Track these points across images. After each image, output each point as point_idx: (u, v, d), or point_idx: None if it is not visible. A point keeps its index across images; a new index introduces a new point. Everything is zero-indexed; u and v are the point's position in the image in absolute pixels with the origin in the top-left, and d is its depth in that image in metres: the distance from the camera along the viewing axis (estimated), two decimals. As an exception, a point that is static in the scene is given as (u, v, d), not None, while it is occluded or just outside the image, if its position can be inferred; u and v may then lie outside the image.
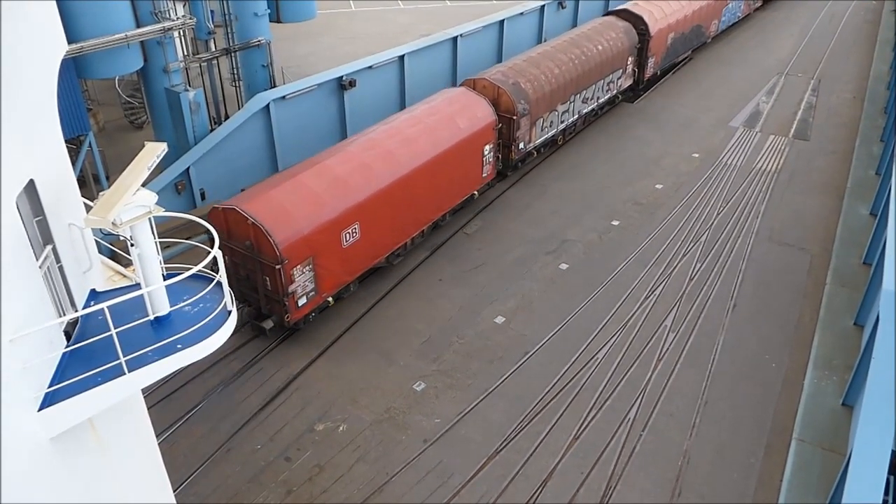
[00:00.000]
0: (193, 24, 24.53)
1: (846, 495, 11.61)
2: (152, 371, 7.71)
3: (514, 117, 26.59)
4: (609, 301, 21.66)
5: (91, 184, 24.64)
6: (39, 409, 7.10)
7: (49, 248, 7.89)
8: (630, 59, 35.31)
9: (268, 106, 24.13)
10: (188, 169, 22.68)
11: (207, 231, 8.83)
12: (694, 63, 43.98)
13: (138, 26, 22.12)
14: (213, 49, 28.70)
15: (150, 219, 8.00)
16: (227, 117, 29.15)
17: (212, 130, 24.38)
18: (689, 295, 22.01)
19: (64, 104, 20.05)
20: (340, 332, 20.35)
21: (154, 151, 8.23)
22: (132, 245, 8.02)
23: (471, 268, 23.34)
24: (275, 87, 28.24)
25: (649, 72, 37.62)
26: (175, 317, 8.35)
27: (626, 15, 36.16)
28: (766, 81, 40.96)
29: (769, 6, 56.95)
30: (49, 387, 7.31)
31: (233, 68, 28.88)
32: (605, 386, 18.42)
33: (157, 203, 7.99)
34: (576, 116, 31.68)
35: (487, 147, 25.53)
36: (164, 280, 8.34)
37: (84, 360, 7.61)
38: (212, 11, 28.90)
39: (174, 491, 12.41)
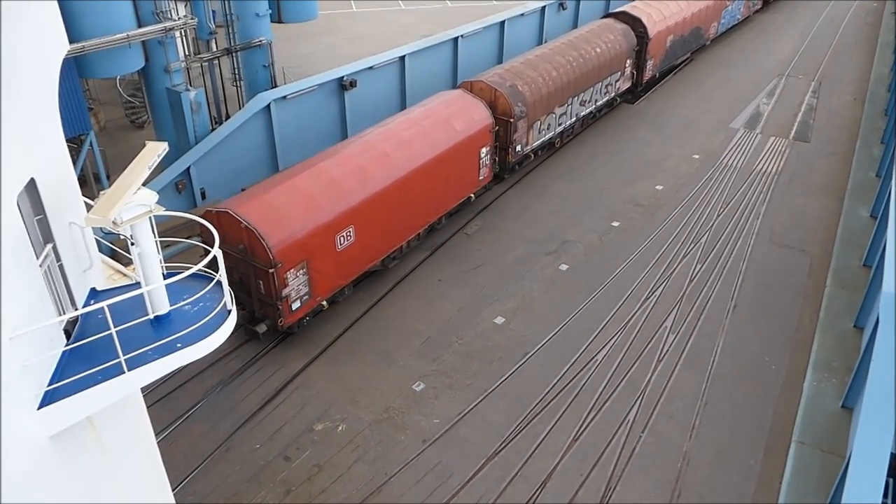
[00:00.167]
0: (195, 24, 24.56)
1: (845, 497, 11.61)
2: (152, 370, 7.72)
3: (511, 120, 26.50)
4: (609, 302, 21.66)
5: (92, 183, 24.66)
6: (39, 408, 7.11)
7: (49, 246, 7.90)
8: (628, 61, 35.21)
9: (269, 106, 24.16)
10: (189, 168, 22.71)
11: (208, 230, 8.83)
12: (694, 64, 44.00)
13: (140, 26, 22.15)
14: (215, 49, 28.73)
15: (150, 218, 8.00)
16: (227, 117, 29.16)
17: (213, 130, 24.41)
18: (690, 296, 22.01)
19: (65, 103, 20.06)
20: (340, 332, 20.36)
21: (155, 151, 8.23)
22: (132, 244, 8.03)
23: (471, 268, 23.35)
24: (276, 87, 28.27)
25: (648, 74, 37.57)
26: (175, 316, 8.36)
27: (624, 17, 36.04)
28: (766, 83, 40.98)
29: (769, 8, 57.01)
30: (49, 385, 7.31)
31: (234, 68, 28.90)
32: (604, 387, 18.42)
33: (157, 202, 8.00)
34: (573, 119, 31.60)
35: (484, 150, 25.42)
36: (164, 279, 8.34)
37: (84, 359, 7.61)
38: (213, 11, 28.93)
39: (173, 490, 12.42)
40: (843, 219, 25.68)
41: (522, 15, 36.86)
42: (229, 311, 8.47)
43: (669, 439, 16.98)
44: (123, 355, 7.43)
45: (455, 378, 18.73)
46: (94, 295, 8.92)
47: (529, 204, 27.37)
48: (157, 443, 10.82)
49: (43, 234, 7.87)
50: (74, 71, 21.44)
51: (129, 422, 9.64)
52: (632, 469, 16.17)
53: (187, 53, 29.17)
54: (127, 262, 9.61)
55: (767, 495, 15.56)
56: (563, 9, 40.36)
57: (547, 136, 29.70)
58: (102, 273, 9.63)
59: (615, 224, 26.05)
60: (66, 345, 7.80)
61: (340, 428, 17.17)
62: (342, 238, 19.78)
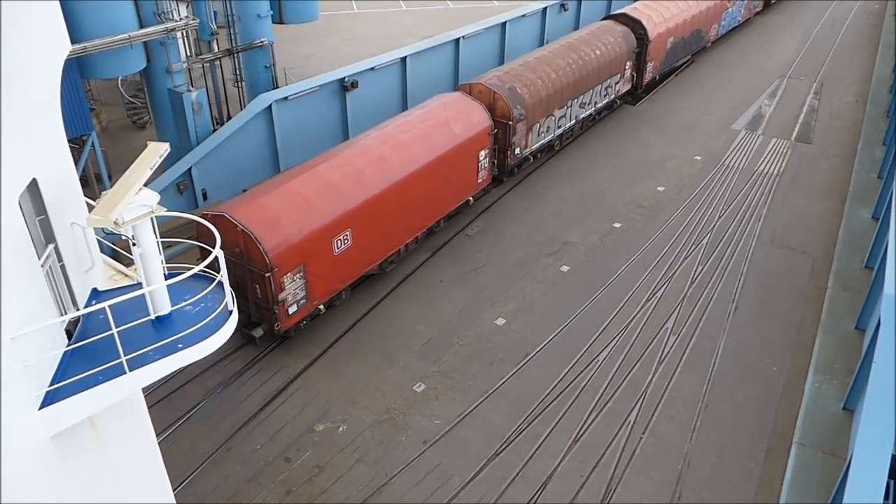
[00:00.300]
0: (196, 25, 24.59)
1: (846, 499, 11.60)
2: (153, 370, 7.72)
3: (510, 122, 26.35)
4: (610, 303, 21.65)
5: (93, 183, 24.68)
6: (40, 408, 7.11)
7: (51, 247, 7.91)
8: (628, 63, 35.10)
9: (270, 107, 24.19)
10: (190, 169, 22.74)
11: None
12: (696, 66, 44.00)
13: (142, 27, 22.16)
14: (216, 50, 28.75)
15: (151, 218, 8.01)
16: (229, 118, 29.18)
17: (214, 131, 24.43)
18: (691, 298, 22.00)
19: (67, 104, 20.09)
20: (341, 333, 20.36)
21: (156, 151, 8.24)
22: (134, 244, 8.04)
23: (472, 269, 23.35)
24: (277, 88, 28.30)
25: (648, 76, 37.47)
26: (176, 316, 8.37)
27: (624, 19, 35.91)
28: (768, 84, 40.96)
29: (770, 10, 56.98)
30: (50, 385, 7.32)
31: (235, 69, 28.92)
32: (605, 388, 18.41)
33: (159, 203, 8.01)
34: (573, 121, 31.49)
35: (483, 152, 25.31)
36: (166, 279, 8.35)
37: (85, 359, 7.62)
38: (215, 12, 28.97)
39: (174, 490, 12.42)
40: (844, 220, 25.65)
41: (524, 16, 36.87)
42: (230, 312, 8.48)
43: (670, 441, 16.97)
44: (125, 356, 7.44)
45: (456, 379, 18.73)
46: (96, 295, 8.93)
47: (531, 205, 27.37)
48: (158, 443, 10.82)
49: (45, 234, 7.88)
50: (76, 71, 21.47)
51: (130, 422, 9.65)
52: (632, 470, 16.17)
53: (189, 54, 29.16)
54: (128, 263, 9.62)
55: (768, 497, 15.55)
56: (565, 10, 40.37)
57: (546, 139, 29.59)
58: (104, 273, 9.64)
59: (616, 225, 26.05)
60: (68, 345, 7.81)
61: (341, 429, 17.18)
62: (339, 242, 19.67)
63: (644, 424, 17.39)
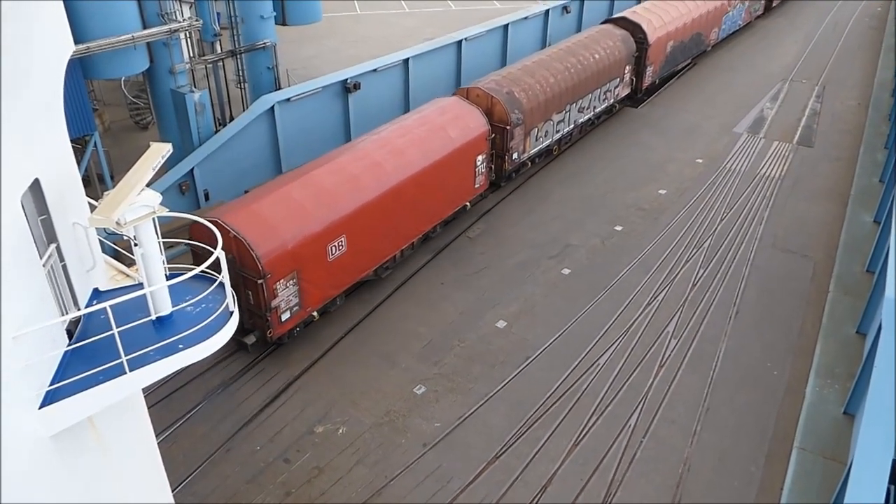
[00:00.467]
0: (199, 26, 24.63)
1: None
2: (153, 371, 7.74)
3: (508, 127, 26.19)
4: (611, 306, 21.64)
5: (96, 183, 24.70)
6: (40, 407, 7.13)
7: (53, 246, 7.92)
8: (628, 67, 34.97)
9: (272, 108, 24.21)
10: (192, 170, 22.77)
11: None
12: (697, 69, 44.01)
13: (145, 27, 22.19)
14: (219, 51, 28.80)
15: (153, 219, 8.03)
16: (231, 119, 29.23)
17: (216, 132, 24.45)
18: (692, 301, 21.99)
19: (70, 104, 20.13)
20: (342, 335, 20.36)
21: (159, 152, 8.26)
22: (136, 245, 8.05)
23: (473, 271, 23.35)
24: (280, 89, 28.33)
25: (648, 80, 37.31)
26: (177, 317, 8.38)
27: (623, 23, 35.74)
28: (770, 87, 40.96)
29: (772, 14, 56.95)
30: (50, 385, 7.33)
31: (238, 70, 28.95)
32: (606, 392, 18.39)
33: (161, 203, 8.03)
34: (571, 126, 31.31)
35: (480, 157, 25.14)
36: (167, 280, 8.36)
37: (86, 359, 7.63)
38: (218, 13, 29.02)
39: (173, 490, 12.43)
40: (846, 224, 25.63)
41: (526, 18, 36.89)
42: (231, 313, 8.49)
43: (671, 444, 16.95)
44: (125, 356, 7.45)
45: (456, 381, 18.72)
46: (97, 295, 8.94)
47: (532, 208, 27.37)
48: (158, 443, 10.83)
49: (47, 234, 7.90)
50: (79, 72, 21.50)
51: (130, 422, 9.65)
52: (633, 474, 16.14)
53: (192, 55, 29.24)
54: (130, 263, 9.63)
55: (769, 501, 15.52)
56: (567, 12, 40.41)
57: (544, 144, 29.43)
58: (105, 273, 9.65)
59: (618, 228, 26.04)
60: (69, 345, 7.82)
61: (341, 430, 17.17)
62: (334, 248, 19.49)
63: (645, 428, 17.37)
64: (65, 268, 8.20)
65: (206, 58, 28.37)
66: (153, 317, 8.26)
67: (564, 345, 20.04)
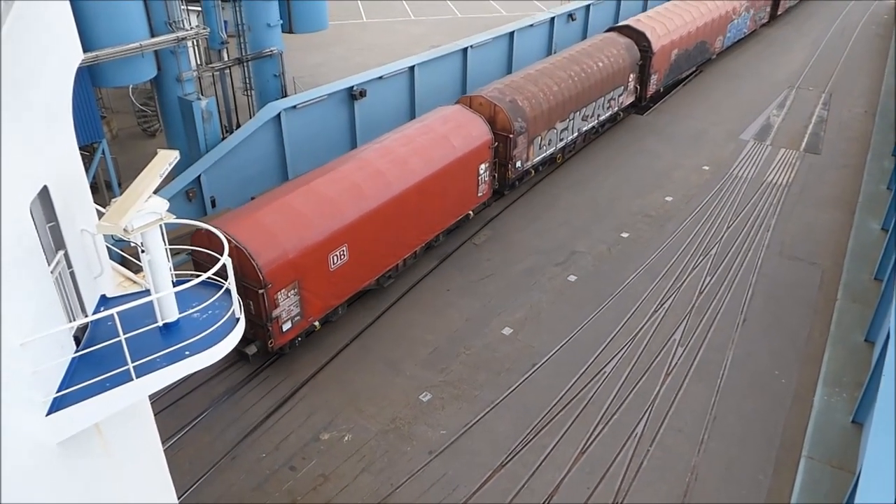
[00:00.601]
0: (207, 34, 24.78)
1: (856, 513, 11.49)
2: (160, 377, 7.75)
3: (511, 135, 26.07)
4: (618, 314, 21.58)
5: (104, 190, 24.83)
6: (47, 414, 7.13)
7: (61, 253, 7.95)
8: (632, 75, 34.85)
9: (279, 115, 24.29)
10: (199, 177, 22.83)
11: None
12: (704, 76, 43.99)
13: (153, 36, 22.36)
14: (226, 58, 28.95)
15: (160, 226, 8.05)
16: (238, 126, 29.35)
17: (223, 139, 24.55)
18: (699, 308, 21.91)
19: (78, 112, 20.25)
20: (348, 341, 20.36)
21: (166, 159, 8.29)
22: (143, 251, 8.08)
23: (479, 278, 23.33)
24: (286, 96, 28.44)
25: (652, 89, 37.23)
26: (184, 323, 8.40)
27: (628, 31, 35.69)
28: (776, 95, 40.91)
29: (777, 22, 56.82)
30: (58, 391, 7.34)
31: (245, 78, 29.11)
32: (612, 400, 18.32)
33: (168, 210, 8.05)
34: (575, 134, 31.19)
35: (483, 166, 25.04)
36: (174, 287, 8.38)
37: (93, 366, 7.65)
38: (225, 21, 29.16)
39: (179, 497, 12.42)
40: (854, 231, 25.53)
41: (531, 26, 36.95)
42: (238, 320, 8.50)
43: (678, 453, 16.86)
44: (132, 362, 7.46)
45: (462, 389, 18.68)
46: (105, 302, 8.97)
47: (538, 214, 27.36)
48: (164, 450, 10.83)
49: (55, 240, 7.93)
50: (88, 80, 21.66)
51: (136, 429, 9.66)
52: (639, 483, 16.06)
53: (199, 63, 29.40)
54: (137, 270, 9.66)
55: (777, 510, 15.43)
56: (573, 20, 40.45)
57: (548, 152, 29.29)
58: (113, 280, 9.68)
59: (624, 235, 26.00)
60: (76, 351, 7.83)
61: (347, 438, 17.14)
62: (335, 257, 19.38)
63: (651, 436, 17.29)
64: (72, 274, 8.22)
65: (213, 65, 28.53)
66: (160, 323, 8.28)
67: (570, 352, 19.98)
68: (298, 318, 18.86)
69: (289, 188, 19.91)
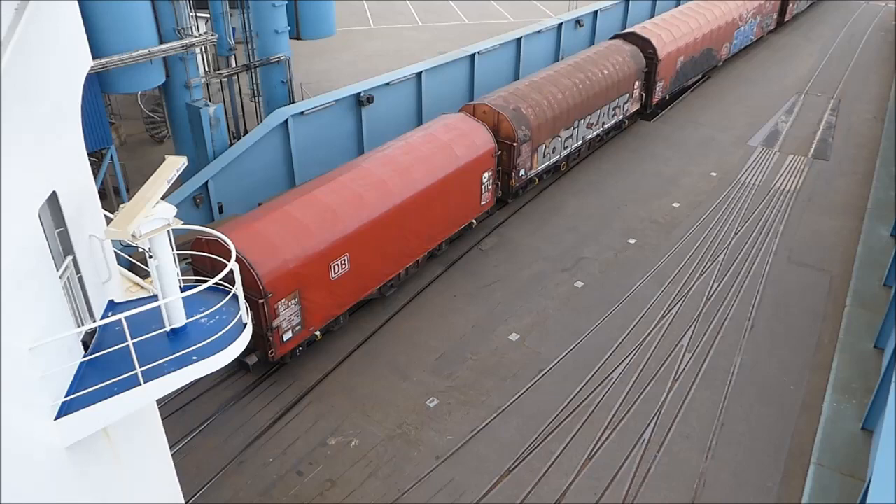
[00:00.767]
0: (215, 41, 24.94)
1: (866, 521, 11.41)
2: (168, 382, 7.78)
3: (515, 144, 25.96)
4: (625, 320, 21.52)
5: (112, 196, 24.98)
6: (56, 418, 7.17)
7: (70, 258, 8.00)
8: (637, 83, 34.69)
9: (286, 121, 24.38)
10: (207, 183, 22.93)
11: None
12: (711, 82, 43.92)
13: (161, 43, 22.50)
14: (234, 65, 29.14)
15: (168, 231, 8.10)
16: (246, 132, 29.49)
17: (231, 145, 24.66)
18: (706, 315, 21.82)
19: (87, 118, 20.38)
20: (354, 347, 20.37)
21: (174, 165, 8.34)
22: (150, 257, 8.12)
23: (486, 284, 23.32)
24: (293, 102, 28.55)
25: (658, 96, 37.06)
26: (191, 329, 8.43)
27: (633, 38, 35.54)
28: (784, 101, 40.80)
29: (784, 28, 56.58)
30: (66, 396, 7.38)
31: (253, 84, 29.26)
32: (619, 406, 18.26)
33: (175, 216, 8.09)
34: (580, 142, 31.03)
35: (486, 174, 24.94)
36: (181, 292, 8.42)
37: (101, 371, 7.69)
38: (233, 28, 29.36)
39: (186, 502, 12.43)
40: (863, 238, 25.41)
41: (539, 32, 36.98)
42: (245, 325, 8.53)
43: (685, 460, 16.78)
44: (140, 367, 7.49)
45: (469, 394, 18.65)
46: (113, 307, 9.01)
47: (546, 220, 27.34)
48: (172, 455, 10.85)
49: (63, 246, 7.98)
50: (97, 86, 21.82)
51: (144, 433, 9.69)
52: (647, 489, 15.98)
53: (207, 69, 29.63)
54: (145, 275, 9.71)
55: (786, 518, 15.32)
56: (580, 26, 40.48)
57: (552, 160, 29.15)
58: (121, 285, 9.72)
59: (631, 241, 25.94)
60: (84, 356, 7.87)
61: (354, 443, 17.14)
62: (336, 267, 19.26)
63: (659, 443, 17.22)
64: (81, 280, 8.27)
65: (221, 72, 28.70)
66: (167, 328, 8.31)
67: (577, 358, 19.94)
68: (299, 327, 18.75)
69: (289, 197, 19.76)
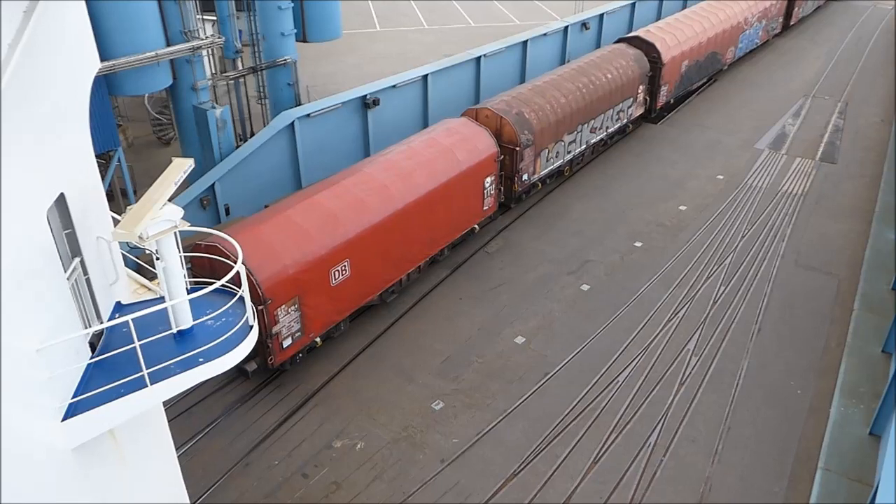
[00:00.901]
0: (222, 43, 25.00)
1: (874, 527, 11.33)
2: (174, 384, 7.78)
3: (518, 148, 25.82)
4: (631, 323, 21.46)
5: (119, 198, 25.05)
6: (63, 420, 7.18)
7: (77, 260, 8.02)
8: (641, 87, 34.51)
9: (292, 124, 24.42)
10: (213, 184, 22.98)
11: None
12: (718, 85, 43.83)
13: (168, 45, 22.58)
14: (241, 67, 29.19)
15: (175, 233, 8.11)
16: (252, 134, 29.54)
17: (237, 147, 24.72)
18: (713, 318, 21.74)
19: (95, 120, 20.40)
20: (360, 349, 20.37)
21: (181, 167, 8.36)
22: (157, 259, 8.13)
23: (492, 287, 23.29)
24: (300, 105, 28.60)
25: (662, 100, 36.88)
26: (197, 330, 8.44)
27: (637, 42, 35.37)
28: (792, 103, 40.68)
29: (791, 32, 56.36)
30: (73, 397, 7.39)
31: (259, 86, 29.33)
32: (625, 409, 18.20)
33: (182, 218, 8.10)
34: (583, 146, 30.86)
35: (488, 179, 24.80)
36: (188, 294, 8.43)
37: (107, 372, 7.70)
38: (240, 31, 29.44)
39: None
40: (870, 241, 25.29)
41: (545, 35, 36.97)
42: (251, 327, 8.53)
43: (692, 463, 16.71)
44: (146, 369, 7.50)
45: (474, 397, 18.62)
46: (120, 308, 9.03)
47: (551, 223, 27.31)
48: (177, 456, 10.86)
49: (71, 247, 8.00)
50: (104, 88, 21.90)
51: (150, 435, 9.70)
52: (653, 493, 15.92)
53: (214, 72, 29.69)
54: (152, 277, 9.72)
55: (793, 523, 15.24)
56: (587, 29, 40.45)
57: (555, 165, 29.00)
58: (128, 287, 9.75)
59: (638, 244, 25.88)
60: (91, 357, 7.89)
61: (359, 446, 17.13)
62: (337, 273, 19.12)
63: (665, 446, 17.15)
64: (88, 281, 8.29)
65: (227, 74, 28.77)
66: (174, 330, 8.32)
67: (583, 361, 19.89)
68: (299, 334, 18.61)
69: (290, 202, 19.58)
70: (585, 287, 23.31)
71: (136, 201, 7.96)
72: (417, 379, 19.26)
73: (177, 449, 11.32)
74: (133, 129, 33.00)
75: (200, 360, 7.93)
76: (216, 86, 28.03)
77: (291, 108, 27.30)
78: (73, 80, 8.19)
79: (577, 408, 18.22)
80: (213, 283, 8.26)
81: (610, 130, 33.00)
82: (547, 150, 28.02)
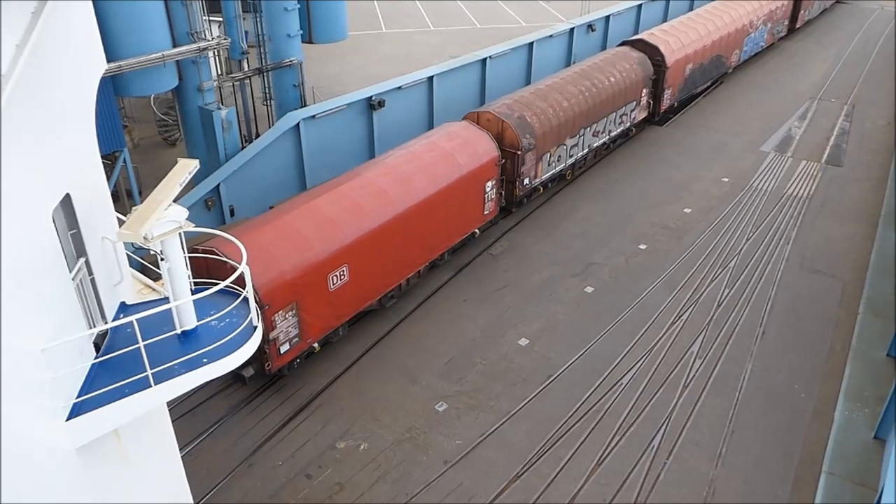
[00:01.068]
0: (228, 45, 25.07)
1: (878, 531, 11.29)
2: (178, 384, 7.81)
3: (519, 152, 25.66)
4: (635, 325, 21.43)
5: (124, 199, 25.14)
6: (67, 419, 7.21)
7: (82, 260, 8.05)
8: (645, 90, 34.30)
9: (298, 125, 24.46)
10: (218, 186, 23.03)
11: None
12: (723, 87, 43.72)
13: (175, 46, 22.66)
14: (246, 69, 29.27)
15: (180, 234, 8.14)
16: (258, 136, 29.61)
17: (243, 148, 24.78)
18: (717, 321, 21.70)
19: (101, 121, 20.55)
20: (364, 351, 20.40)
21: (186, 168, 8.39)
22: (162, 259, 8.16)
23: (495, 289, 23.29)
24: (305, 106, 28.65)
25: (666, 104, 36.65)
26: (202, 331, 8.47)
27: (641, 45, 35.15)
28: (798, 106, 40.56)
29: (797, 35, 56.10)
30: (77, 397, 7.42)
31: (265, 88, 29.40)
32: (629, 412, 18.17)
33: (187, 219, 8.13)
34: (585, 150, 30.72)
35: (490, 183, 24.66)
36: (192, 294, 8.45)
37: (112, 372, 7.73)
38: (246, 32, 29.51)
39: (195, 505, 12.46)
40: (876, 245, 25.21)
41: (551, 37, 36.94)
42: (255, 328, 8.56)
43: (695, 467, 16.68)
44: (151, 369, 7.53)
45: (478, 399, 18.63)
46: (124, 309, 9.06)
47: (556, 225, 27.29)
48: (181, 457, 10.89)
49: (76, 248, 8.04)
50: (111, 89, 21.99)
51: (154, 435, 9.73)
52: (656, 496, 15.89)
53: (220, 73, 29.77)
54: (156, 277, 9.76)
55: (797, 527, 15.20)
56: (592, 30, 40.42)
57: (557, 169, 28.85)
58: (132, 287, 9.78)
59: (642, 247, 25.85)
60: (96, 357, 7.92)
61: (362, 447, 17.15)
62: (335, 278, 18.99)
63: (668, 449, 17.12)
64: (93, 281, 8.32)
65: (233, 75, 28.86)
66: (178, 331, 8.35)
67: (587, 363, 19.87)
68: (297, 339, 18.51)
69: (288, 207, 19.46)
70: (589, 289, 23.29)
71: (142, 202, 8.00)
72: (421, 380, 19.27)
73: (180, 449, 11.34)
74: (139, 130, 33.11)
75: (204, 360, 7.96)
76: (222, 87, 28.13)
77: (297, 109, 27.34)
78: (80, 81, 8.23)
79: (580, 410, 18.21)
80: (217, 283, 8.29)
81: (613, 134, 32.86)
82: (549, 154, 27.89)
